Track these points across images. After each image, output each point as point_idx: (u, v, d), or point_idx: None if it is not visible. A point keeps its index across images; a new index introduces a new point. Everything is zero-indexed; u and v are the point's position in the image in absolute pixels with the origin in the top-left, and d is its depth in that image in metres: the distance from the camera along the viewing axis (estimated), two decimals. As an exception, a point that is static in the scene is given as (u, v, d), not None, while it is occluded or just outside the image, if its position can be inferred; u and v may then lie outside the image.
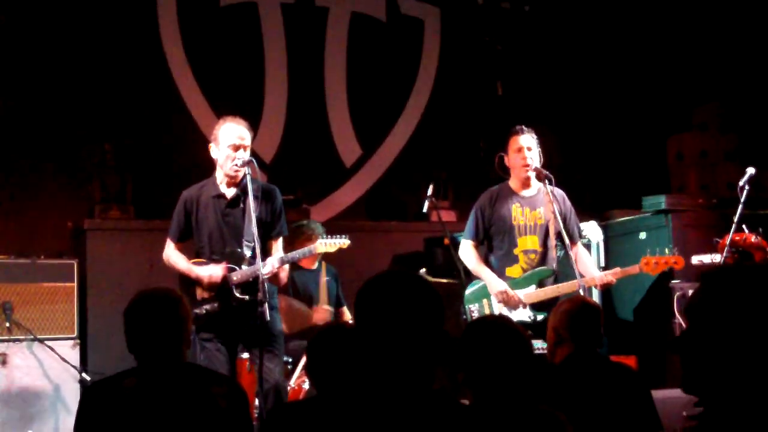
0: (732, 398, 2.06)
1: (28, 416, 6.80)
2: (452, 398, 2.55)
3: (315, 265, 7.21)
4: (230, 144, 5.53)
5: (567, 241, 5.92)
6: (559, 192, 6.16)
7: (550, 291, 5.98)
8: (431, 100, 9.87)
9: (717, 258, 6.47)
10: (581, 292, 5.68)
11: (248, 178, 5.43)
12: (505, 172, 6.23)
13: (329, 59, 9.50)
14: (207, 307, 5.51)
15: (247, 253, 5.50)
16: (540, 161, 6.10)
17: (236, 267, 5.52)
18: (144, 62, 8.53)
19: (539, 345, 5.23)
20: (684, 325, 7.18)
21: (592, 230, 7.60)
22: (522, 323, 5.64)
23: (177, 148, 8.50)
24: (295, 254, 5.70)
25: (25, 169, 8.11)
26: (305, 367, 5.59)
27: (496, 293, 5.97)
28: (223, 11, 9.03)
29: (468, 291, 6.19)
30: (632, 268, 5.96)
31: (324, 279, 7.23)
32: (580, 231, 6.36)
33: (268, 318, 5.23)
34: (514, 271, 6.06)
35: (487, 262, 6.16)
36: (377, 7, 9.74)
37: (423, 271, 7.71)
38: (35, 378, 6.87)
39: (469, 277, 6.28)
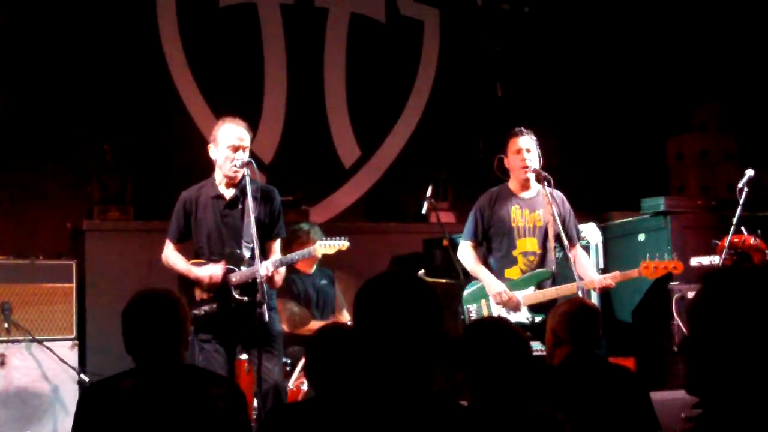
0: (734, 399, 2.06)
1: (26, 417, 6.80)
2: (451, 399, 2.55)
3: (312, 269, 7.19)
4: (229, 145, 5.52)
5: (566, 243, 5.92)
6: (558, 194, 6.16)
7: (549, 293, 5.97)
8: (430, 101, 9.88)
9: (716, 260, 6.48)
10: (580, 294, 5.68)
11: (247, 179, 5.43)
12: (504, 174, 6.23)
13: (328, 60, 9.50)
14: (206, 308, 5.50)
15: (246, 254, 5.49)
16: (539, 163, 6.10)
17: (235, 268, 5.51)
18: (143, 63, 8.53)
19: (537, 347, 5.22)
20: (683, 326, 7.19)
21: (590, 232, 7.60)
22: (520, 325, 5.64)
23: (176, 149, 8.51)
24: (294, 256, 5.69)
25: (24, 169, 8.11)
26: (304, 369, 5.60)
27: (495, 294, 5.97)
28: (222, 12, 9.03)
29: (466, 292, 6.19)
30: (631, 272, 5.95)
31: (337, 288, 7.25)
32: (578, 233, 6.36)
33: (267, 319, 5.23)
34: (513, 272, 6.06)
35: (486, 263, 6.16)
36: (377, 9, 9.74)
37: (422, 272, 7.70)
38: (34, 379, 6.87)
39: (468, 278, 6.28)
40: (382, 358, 2.47)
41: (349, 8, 9.62)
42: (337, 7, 9.56)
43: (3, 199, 8.02)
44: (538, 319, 5.88)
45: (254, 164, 5.52)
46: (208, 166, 5.72)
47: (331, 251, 5.71)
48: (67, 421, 6.53)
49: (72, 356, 7.01)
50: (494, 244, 6.16)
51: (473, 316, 6.08)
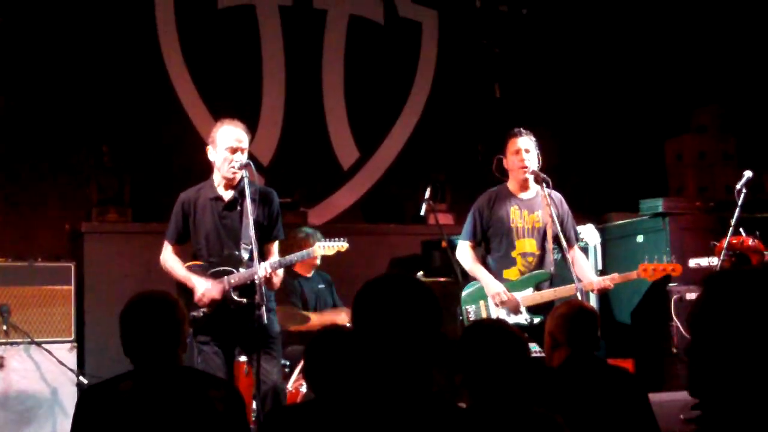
0: (735, 401, 2.07)
1: (25, 419, 6.80)
2: (449, 401, 2.55)
3: (311, 273, 7.18)
4: (228, 147, 5.52)
5: (564, 244, 5.93)
6: (557, 195, 6.17)
7: (548, 294, 5.98)
8: (429, 102, 9.87)
9: (714, 261, 6.48)
10: (578, 295, 5.68)
11: (246, 180, 5.43)
12: (503, 174, 6.24)
13: (327, 62, 9.50)
14: (205, 309, 5.49)
15: (245, 255, 5.49)
16: (538, 164, 6.10)
17: (234, 270, 5.51)
18: (141, 64, 8.53)
19: (535, 348, 5.22)
20: (681, 328, 7.20)
21: (589, 233, 7.60)
22: (519, 326, 5.65)
23: (175, 151, 8.50)
24: (293, 257, 5.69)
25: (22, 171, 8.11)
26: (302, 371, 5.59)
27: (493, 294, 5.97)
28: (220, 13, 9.03)
29: (464, 292, 6.19)
30: (630, 274, 5.95)
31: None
32: (576, 234, 6.36)
33: (266, 321, 5.23)
34: (511, 273, 6.06)
35: (484, 263, 6.16)
36: (375, 10, 9.74)
37: (420, 273, 7.71)
38: (32, 381, 6.87)
39: (466, 278, 6.28)
40: (381, 360, 2.47)
41: (348, 10, 9.62)
42: (335, 8, 9.56)
43: (1, 201, 8.01)
44: (536, 320, 5.88)
45: (253, 166, 5.52)
46: (207, 168, 5.71)
47: (330, 252, 5.71)
48: (65, 424, 6.53)
49: (70, 358, 7.01)
50: (493, 244, 6.16)
51: (472, 317, 6.08)
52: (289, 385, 6.23)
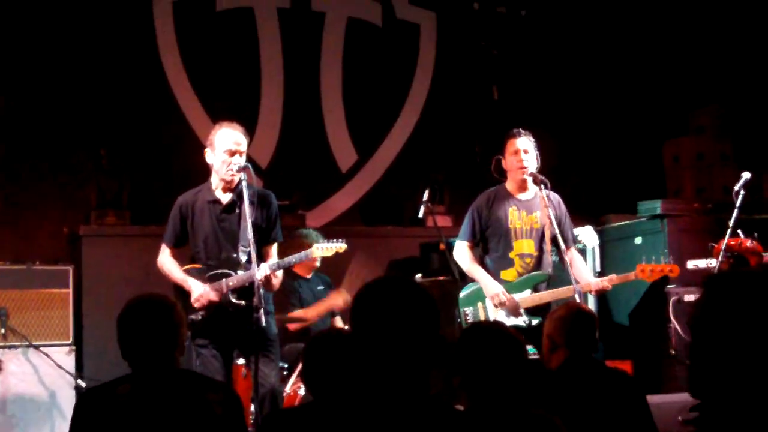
0: (735, 401, 2.07)
1: (23, 423, 6.80)
2: (448, 403, 2.55)
3: (310, 275, 7.19)
4: (226, 149, 5.51)
5: (562, 245, 5.93)
6: (555, 196, 6.17)
7: (546, 296, 5.98)
8: (427, 104, 9.88)
9: (712, 263, 6.48)
10: (577, 297, 5.67)
11: (244, 183, 5.42)
12: (501, 175, 6.24)
13: (325, 64, 9.51)
14: (203, 312, 5.49)
15: (243, 258, 5.48)
16: (537, 165, 6.10)
17: (232, 272, 5.50)
18: (140, 67, 8.53)
19: (531, 351, 5.22)
20: (680, 329, 7.20)
21: (587, 235, 7.60)
22: (517, 328, 5.65)
23: (173, 153, 8.49)
24: (291, 259, 5.68)
25: (20, 174, 8.10)
26: (301, 373, 5.59)
27: (492, 295, 5.96)
28: (219, 16, 9.03)
29: (462, 294, 6.18)
30: (628, 275, 5.95)
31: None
32: (574, 236, 6.37)
33: (264, 323, 5.22)
34: (509, 274, 6.06)
35: (482, 263, 6.16)
36: (373, 12, 9.74)
37: (419, 276, 7.71)
38: (30, 384, 6.87)
39: (465, 280, 6.28)
40: (379, 362, 2.48)
41: (346, 12, 9.62)
42: (333, 11, 9.56)
43: (0, 204, 8.01)
44: (535, 321, 5.87)
45: (251, 169, 5.51)
46: (205, 171, 5.71)
47: (329, 254, 5.70)
48: (63, 427, 6.53)
49: (69, 362, 7.01)
50: (491, 244, 6.16)
51: (470, 319, 6.07)
52: (288, 388, 6.23)
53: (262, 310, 5.19)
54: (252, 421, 5.42)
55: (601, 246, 7.85)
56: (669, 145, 9.74)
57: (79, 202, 8.14)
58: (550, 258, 6.13)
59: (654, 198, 8.19)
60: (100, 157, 8.05)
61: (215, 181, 5.62)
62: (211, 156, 5.59)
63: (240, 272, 5.48)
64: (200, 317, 5.47)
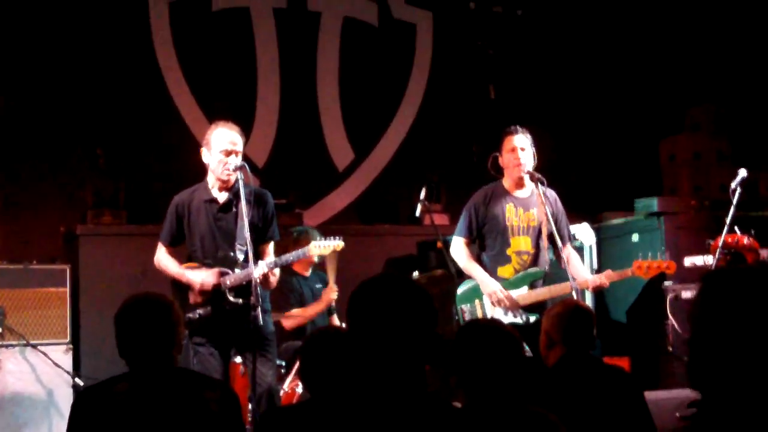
0: (733, 395, 2.08)
1: (20, 421, 6.80)
2: (445, 401, 2.56)
3: (308, 272, 7.19)
4: (222, 149, 5.51)
5: (559, 243, 5.93)
6: (552, 193, 6.16)
7: (543, 293, 5.97)
8: (423, 103, 9.88)
9: (709, 260, 6.49)
10: (574, 294, 5.68)
11: (240, 182, 5.42)
12: (498, 172, 6.23)
13: (321, 63, 9.51)
14: (200, 311, 5.49)
15: (240, 257, 5.48)
16: (534, 162, 6.10)
17: (229, 271, 5.50)
18: (136, 66, 8.53)
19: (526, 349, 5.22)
20: (677, 326, 7.20)
21: (584, 232, 7.60)
22: (515, 325, 5.65)
23: (169, 153, 8.50)
24: (289, 257, 5.67)
25: (17, 173, 8.10)
26: (298, 371, 5.59)
27: (490, 293, 5.96)
28: (215, 16, 9.03)
29: (459, 291, 6.18)
30: (625, 272, 5.95)
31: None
32: (570, 233, 6.37)
33: (261, 322, 5.22)
34: (506, 271, 6.05)
35: (479, 260, 6.16)
36: (369, 12, 9.75)
37: (416, 274, 7.71)
38: (28, 383, 6.87)
39: (461, 276, 6.28)
40: (376, 360, 2.48)
41: (342, 12, 9.63)
42: (329, 10, 9.57)
43: (-3, 203, 8.03)
44: (532, 319, 5.87)
45: (247, 168, 5.51)
46: (202, 170, 5.71)
47: (326, 252, 5.69)
48: (61, 425, 6.50)
49: (66, 360, 7.01)
50: (488, 241, 6.15)
51: (467, 316, 6.07)
52: (285, 386, 6.23)
53: (259, 309, 5.19)
54: (250, 419, 5.43)
55: (598, 243, 7.86)
56: (665, 143, 9.75)
57: (76, 201, 8.14)
58: (546, 255, 6.13)
59: (651, 195, 8.19)
60: (97, 156, 8.05)
61: (211, 180, 5.62)
62: (207, 155, 5.59)
63: (237, 271, 5.48)
64: (197, 316, 5.47)
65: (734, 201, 6.26)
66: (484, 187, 6.23)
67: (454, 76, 9.99)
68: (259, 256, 5.50)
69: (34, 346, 6.88)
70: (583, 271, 6.11)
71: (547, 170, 6.16)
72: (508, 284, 5.98)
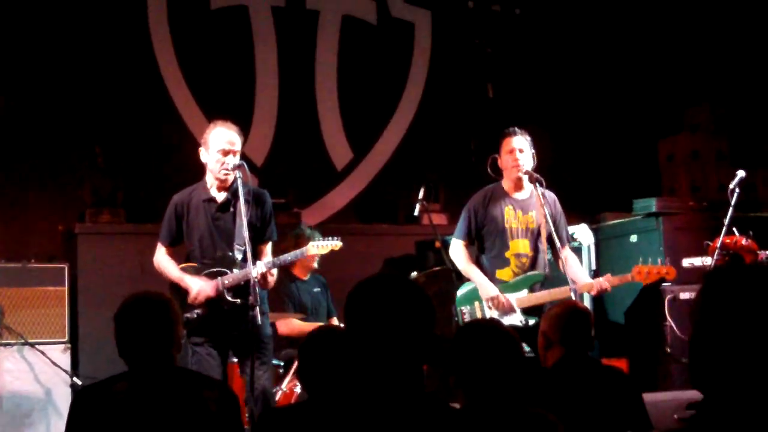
0: (734, 395, 2.08)
1: (19, 421, 6.79)
2: (443, 401, 2.55)
3: (307, 276, 7.17)
4: (220, 149, 5.51)
5: (557, 245, 5.93)
6: (551, 195, 6.16)
7: (542, 296, 5.96)
8: (422, 103, 9.87)
9: (708, 261, 6.48)
10: (573, 297, 5.67)
11: (239, 182, 5.41)
12: (497, 174, 6.23)
13: (320, 62, 9.50)
14: (198, 310, 5.49)
15: (238, 256, 5.48)
16: (533, 163, 6.10)
17: (227, 271, 5.50)
18: (134, 65, 8.52)
19: (526, 350, 5.21)
20: (675, 327, 7.20)
21: (583, 233, 7.60)
22: (514, 328, 5.64)
23: (168, 152, 8.48)
24: (287, 257, 5.67)
25: (15, 172, 8.09)
26: (296, 371, 5.59)
27: (488, 298, 5.96)
28: (213, 14, 9.02)
29: (459, 292, 6.17)
30: (625, 277, 5.94)
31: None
32: (568, 235, 6.36)
33: (259, 322, 5.23)
34: (504, 273, 6.05)
35: (478, 262, 6.15)
36: (368, 11, 9.74)
37: (414, 274, 7.70)
38: (26, 382, 6.86)
39: (461, 278, 6.27)
40: (374, 360, 2.48)
41: (341, 10, 9.61)
42: (328, 9, 9.55)
43: (-5, 203, 8.02)
44: (531, 321, 5.87)
45: (246, 167, 5.51)
46: (200, 169, 5.71)
47: (324, 251, 5.70)
48: (59, 425, 6.50)
49: (64, 359, 7.00)
50: (486, 243, 6.15)
51: (467, 318, 6.07)
52: (284, 386, 6.23)
53: (257, 309, 5.19)
54: (248, 419, 5.42)
55: (597, 244, 7.85)
56: (664, 143, 9.75)
57: (75, 200, 8.13)
58: (545, 257, 6.12)
59: (649, 196, 8.19)
60: (95, 155, 8.03)
61: (210, 180, 5.62)
62: (205, 155, 5.60)
63: (235, 270, 5.48)
64: (196, 315, 5.47)
65: (733, 202, 6.27)
66: (483, 189, 6.23)
67: (453, 74, 9.98)
68: (257, 256, 5.50)
69: (32, 345, 6.87)
70: (582, 273, 6.11)
71: (545, 171, 6.16)
72: (508, 287, 5.98)
